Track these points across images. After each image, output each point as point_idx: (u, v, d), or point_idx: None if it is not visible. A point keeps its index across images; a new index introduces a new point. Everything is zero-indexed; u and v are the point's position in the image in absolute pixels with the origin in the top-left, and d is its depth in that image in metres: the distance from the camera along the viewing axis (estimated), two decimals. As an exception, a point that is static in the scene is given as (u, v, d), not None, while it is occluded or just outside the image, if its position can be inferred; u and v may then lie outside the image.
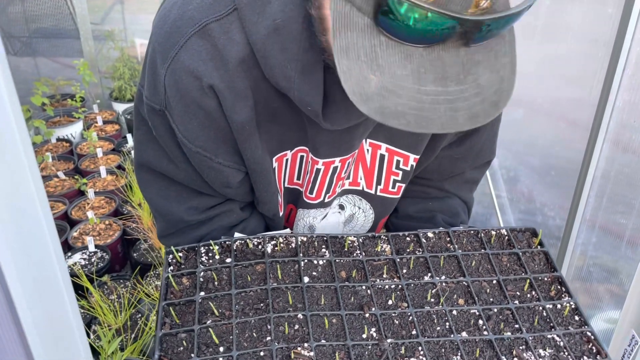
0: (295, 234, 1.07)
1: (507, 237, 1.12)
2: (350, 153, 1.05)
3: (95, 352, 1.94)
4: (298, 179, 1.10)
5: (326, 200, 1.12)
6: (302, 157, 1.05)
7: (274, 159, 1.02)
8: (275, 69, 0.85)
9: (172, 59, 0.86)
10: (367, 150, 1.08)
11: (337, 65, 0.66)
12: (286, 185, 1.10)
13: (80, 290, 2.11)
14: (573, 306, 0.99)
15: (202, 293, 0.97)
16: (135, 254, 2.41)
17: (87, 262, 2.32)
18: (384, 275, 1.02)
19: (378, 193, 1.15)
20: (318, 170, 1.05)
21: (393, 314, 0.95)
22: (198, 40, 0.85)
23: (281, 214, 1.12)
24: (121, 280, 2.26)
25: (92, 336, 2.02)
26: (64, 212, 2.60)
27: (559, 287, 1.03)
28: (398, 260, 1.05)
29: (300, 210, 1.15)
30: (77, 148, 3.16)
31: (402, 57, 0.65)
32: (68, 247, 2.42)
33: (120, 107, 3.59)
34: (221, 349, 0.88)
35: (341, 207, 1.17)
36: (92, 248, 2.35)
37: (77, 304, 0.52)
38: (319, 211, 1.15)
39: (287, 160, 1.05)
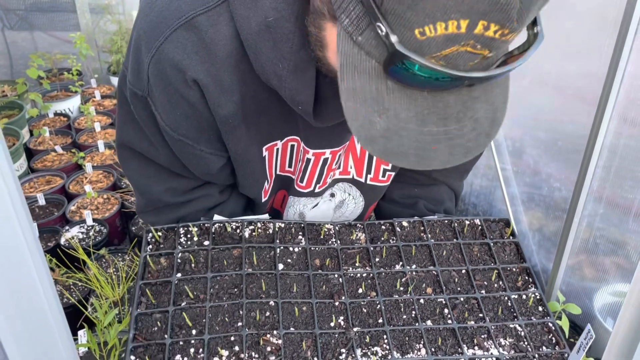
0: (272, 220, 1.07)
1: (480, 227, 1.13)
2: (341, 145, 1.04)
3: (92, 324, 1.92)
4: (290, 166, 1.08)
5: (317, 190, 1.11)
6: (292, 146, 1.04)
7: (264, 148, 1.01)
8: (266, 66, 0.82)
9: (157, 49, 0.83)
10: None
11: (344, 105, 0.65)
12: (278, 172, 1.09)
13: (77, 263, 2.09)
14: (538, 297, 1.00)
15: (179, 275, 0.98)
16: (133, 228, 2.39)
17: (84, 236, 2.30)
18: (357, 264, 1.03)
19: (368, 182, 1.14)
20: (309, 160, 1.04)
21: (362, 303, 0.96)
22: (184, 32, 0.82)
23: (265, 199, 1.11)
24: (119, 254, 2.24)
25: (89, 309, 2.00)
26: (62, 186, 2.59)
27: (526, 277, 1.05)
28: (372, 249, 1.05)
29: (291, 197, 1.14)
30: (75, 122, 3.15)
31: (407, 101, 0.65)
32: (66, 221, 2.40)
33: (118, 82, 3.53)
34: (194, 331, 0.90)
35: (332, 195, 1.17)
36: (89, 222, 2.33)
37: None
38: (309, 200, 1.14)
39: (277, 149, 1.03)
